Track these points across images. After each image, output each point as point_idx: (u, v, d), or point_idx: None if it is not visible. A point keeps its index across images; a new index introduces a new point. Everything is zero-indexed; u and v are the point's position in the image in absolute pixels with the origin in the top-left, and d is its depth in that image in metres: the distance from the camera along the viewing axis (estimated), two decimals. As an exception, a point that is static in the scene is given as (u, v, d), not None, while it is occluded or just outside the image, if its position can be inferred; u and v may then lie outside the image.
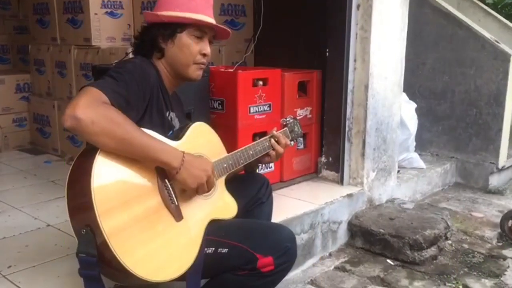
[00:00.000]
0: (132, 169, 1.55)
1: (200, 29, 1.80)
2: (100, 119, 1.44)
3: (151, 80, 1.69)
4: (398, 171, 3.61)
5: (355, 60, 3.07)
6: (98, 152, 1.48)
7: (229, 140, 2.89)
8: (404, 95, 3.64)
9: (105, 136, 1.45)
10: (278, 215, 2.56)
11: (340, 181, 3.20)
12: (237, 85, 2.83)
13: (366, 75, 3.04)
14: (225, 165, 1.88)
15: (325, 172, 3.33)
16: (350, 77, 3.07)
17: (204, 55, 1.84)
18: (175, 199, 1.64)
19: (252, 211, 2.16)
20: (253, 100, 2.93)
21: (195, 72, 1.86)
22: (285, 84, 3.09)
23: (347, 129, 3.14)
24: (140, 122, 1.66)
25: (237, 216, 2.04)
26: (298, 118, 3.11)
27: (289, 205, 2.80)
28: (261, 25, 3.40)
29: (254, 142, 2.03)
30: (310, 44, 3.55)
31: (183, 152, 1.62)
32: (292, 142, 2.23)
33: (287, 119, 2.25)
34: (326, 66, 3.22)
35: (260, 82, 2.99)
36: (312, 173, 3.39)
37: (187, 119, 2.14)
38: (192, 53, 1.80)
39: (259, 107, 2.96)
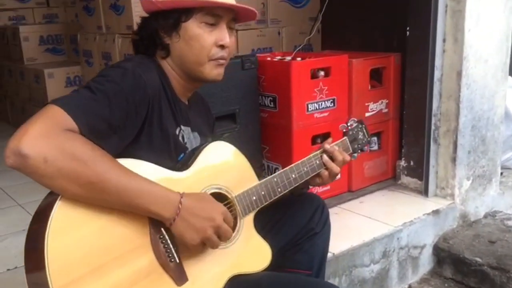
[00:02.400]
0: (110, 217, 1.11)
1: (212, 12, 1.31)
2: (56, 155, 1.01)
3: (149, 89, 1.24)
4: (501, 174, 2.89)
5: (444, 40, 2.40)
6: (58, 199, 1.05)
7: (283, 145, 2.39)
8: (510, 80, 2.89)
9: (65, 180, 1.03)
10: (340, 242, 2.04)
11: (424, 192, 2.57)
12: (291, 78, 2.29)
13: (459, 59, 2.36)
14: (254, 197, 1.38)
15: (405, 179, 2.71)
16: (438, 62, 2.41)
17: (222, 46, 1.34)
18: (175, 255, 1.19)
19: (301, 245, 1.67)
20: (312, 95, 2.38)
21: (213, 71, 1.37)
22: (353, 73, 2.50)
23: (433, 127, 2.49)
24: (134, 146, 1.23)
25: (278, 257, 1.56)
26: (371, 113, 2.57)
27: (356, 226, 2.25)
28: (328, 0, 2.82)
29: (300, 161, 1.51)
30: (388, 22, 2.92)
31: (181, 195, 1.15)
32: (355, 155, 1.68)
33: (349, 124, 1.69)
34: (406, 49, 2.58)
35: (321, 73, 2.43)
36: (389, 179, 2.79)
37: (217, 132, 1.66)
38: (204, 46, 1.32)
39: (320, 103, 2.41)
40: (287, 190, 1.47)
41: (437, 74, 2.42)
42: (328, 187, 2.54)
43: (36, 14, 5.01)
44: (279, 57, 2.58)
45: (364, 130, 1.70)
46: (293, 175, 1.47)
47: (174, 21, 1.30)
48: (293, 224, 1.66)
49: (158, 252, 1.17)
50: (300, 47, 2.80)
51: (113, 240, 1.11)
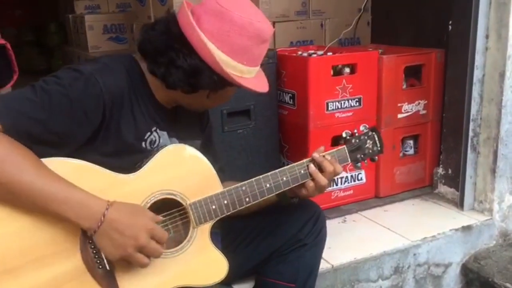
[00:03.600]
0: (35, 218, 1.10)
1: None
2: None
3: (106, 96, 1.19)
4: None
5: (487, 37, 2.12)
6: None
7: (300, 145, 2.27)
8: None
9: None
10: (343, 253, 1.91)
11: (460, 204, 2.32)
12: (308, 74, 2.16)
13: (503, 58, 2.08)
14: (213, 206, 1.30)
15: (442, 188, 2.47)
16: (479, 61, 2.14)
17: None
18: (104, 261, 1.14)
19: (286, 255, 1.58)
20: (334, 94, 2.22)
21: (203, 110, 1.49)
22: (383, 70, 2.30)
23: (471, 133, 2.23)
24: (88, 148, 1.22)
25: (261, 265, 1.56)
26: (404, 115, 2.36)
27: (368, 237, 2.08)
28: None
29: (279, 169, 1.41)
30: (439, 15, 2.65)
31: (108, 205, 1.10)
32: (359, 164, 1.53)
33: (361, 129, 1.55)
34: (448, 45, 2.33)
35: (347, 70, 2.26)
36: (426, 187, 2.55)
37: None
38: (223, 102, 1.45)
39: (343, 102, 2.25)
40: (257, 201, 1.37)
41: (477, 74, 2.16)
42: (351, 191, 2.38)
43: (110, 3, 5.21)
44: (311, 51, 2.44)
45: (376, 139, 1.54)
46: (267, 185, 1.36)
47: (223, 86, 1.28)
48: (280, 233, 1.57)
49: (86, 257, 1.13)
50: (334, 42, 2.63)
51: (33, 242, 1.09)
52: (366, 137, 1.53)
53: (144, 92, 1.30)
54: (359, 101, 2.28)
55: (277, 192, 1.39)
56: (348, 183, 2.36)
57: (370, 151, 1.53)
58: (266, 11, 2.85)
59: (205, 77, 1.22)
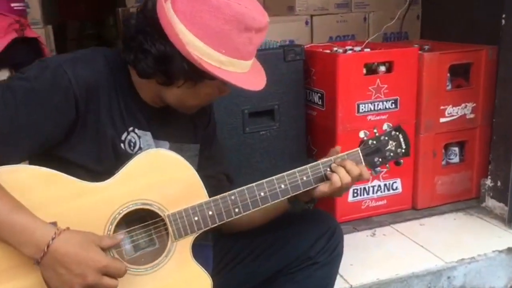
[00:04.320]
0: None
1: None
2: None
3: (76, 89, 1.08)
4: None
5: (545, 32, 1.85)
6: None
7: (327, 149, 2.08)
8: None
9: None
10: (366, 272, 1.73)
11: (508, 221, 2.06)
12: (337, 73, 1.97)
13: None
14: (196, 218, 1.17)
15: (490, 202, 2.21)
16: (535, 60, 1.88)
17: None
18: None
19: (294, 274, 1.43)
20: (366, 94, 2.03)
21: (193, 109, 1.26)
22: (424, 69, 2.07)
23: (524, 142, 1.97)
24: (64, 147, 1.12)
25: (264, 286, 1.41)
26: (448, 119, 2.13)
27: (397, 254, 1.88)
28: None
29: (278, 176, 1.25)
30: (491, 8, 2.37)
31: (55, 235, 0.97)
32: (377, 169, 1.35)
33: (383, 130, 1.37)
34: (500, 41, 2.06)
35: (382, 68, 2.05)
36: (472, 200, 2.30)
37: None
38: (207, 102, 1.25)
39: (376, 103, 2.05)
40: (248, 212, 1.22)
41: (532, 75, 1.89)
42: (384, 201, 2.18)
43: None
44: (348, 47, 2.25)
45: (401, 139, 1.35)
46: (262, 193, 1.21)
47: (200, 78, 1.11)
48: (289, 249, 1.42)
49: None
50: (373, 37, 2.42)
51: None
52: (387, 138, 1.34)
53: (126, 88, 1.18)
54: (395, 102, 2.07)
55: (274, 202, 1.24)
56: (382, 192, 2.16)
57: (392, 153, 1.34)
58: (303, 4, 2.68)
59: (176, 64, 1.07)
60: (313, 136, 2.21)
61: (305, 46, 2.20)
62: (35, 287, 1.02)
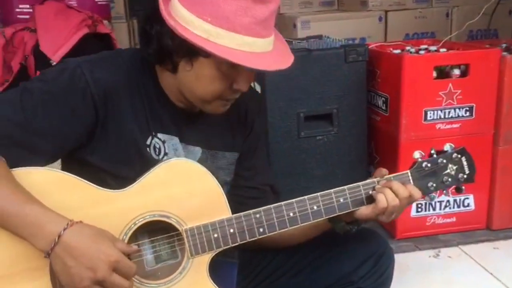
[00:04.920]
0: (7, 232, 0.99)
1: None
2: None
3: (94, 90, 1.05)
4: None
5: None
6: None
7: (389, 159, 1.93)
8: None
9: None
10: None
11: None
12: (402, 76, 1.80)
13: None
14: (215, 235, 1.09)
15: None
16: None
17: (238, 90, 1.08)
18: None
19: None
20: (435, 100, 1.83)
21: (217, 109, 1.12)
22: (505, 73, 1.83)
23: None
24: (86, 151, 1.09)
25: None
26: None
27: (460, 281, 1.68)
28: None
29: (335, 189, 1.13)
30: None
31: (67, 226, 0.93)
32: (433, 195, 1.20)
33: (442, 151, 1.21)
34: None
35: (456, 71, 1.84)
36: (562, 223, 2.01)
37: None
38: (215, 90, 1.06)
39: (447, 111, 1.84)
40: (274, 233, 1.12)
41: None
42: (453, 219, 1.97)
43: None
44: (423, 47, 2.05)
45: (464, 163, 1.18)
46: (291, 213, 1.10)
47: (191, 52, 1.03)
48: (329, 271, 1.30)
49: (54, 279, 1.01)
50: (453, 35, 2.19)
51: (4, 257, 0.99)
52: (446, 161, 1.17)
53: (151, 90, 1.13)
54: (470, 110, 1.85)
55: (304, 224, 1.12)
56: (451, 208, 1.95)
57: (451, 179, 1.17)
58: (377, -1, 2.50)
59: (166, 38, 1.01)
60: (376, 143, 2.05)
61: (373, 45, 2.04)
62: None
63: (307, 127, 1.94)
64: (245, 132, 1.29)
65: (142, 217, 1.06)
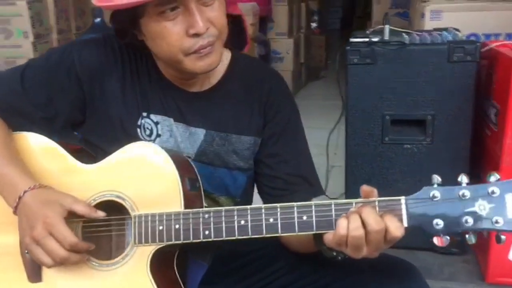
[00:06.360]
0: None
1: None
2: None
3: (79, 68, 1.09)
4: None
5: None
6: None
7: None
8: None
9: None
10: None
11: None
12: (511, 83, 1.43)
13: None
14: (160, 227, 0.99)
15: None
16: None
17: (196, 35, 0.98)
18: None
19: None
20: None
21: (196, 65, 1.02)
22: None
23: None
24: (85, 128, 1.14)
25: None
26: None
27: None
28: None
29: (300, 203, 0.94)
30: None
31: (33, 187, 1.00)
32: (446, 239, 0.93)
33: (480, 182, 0.95)
34: None
35: None
36: None
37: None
38: (170, 43, 0.99)
39: None
40: (220, 239, 0.99)
41: None
42: None
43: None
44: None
45: (506, 203, 0.87)
46: (242, 221, 0.95)
47: (130, 20, 1.02)
48: None
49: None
50: None
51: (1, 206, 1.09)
52: (473, 194, 0.88)
53: (145, 71, 1.11)
54: None
55: (254, 236, 0.95)
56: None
57: (478, 221, 0.85)
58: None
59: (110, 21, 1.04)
60: (481, 161, 1.69)
61: (496, 44, 1.67)
62: (7, 248, 1.07)
63: (393, 132, 1.70)
64: (267, 114, 1.15)
65: (102, 194, 1.05)
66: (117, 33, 1.07)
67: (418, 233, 0.88)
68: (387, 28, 1.75)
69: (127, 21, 1.02)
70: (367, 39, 1.68)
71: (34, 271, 1.05)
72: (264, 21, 4.37)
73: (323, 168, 2.18)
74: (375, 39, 1.68)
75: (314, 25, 6.46)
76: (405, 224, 0.89)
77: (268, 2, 4.37)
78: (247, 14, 3.32)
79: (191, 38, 0.96)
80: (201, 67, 1.01)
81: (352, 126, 1.72)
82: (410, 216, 0.89)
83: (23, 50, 3.53)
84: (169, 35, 0.97)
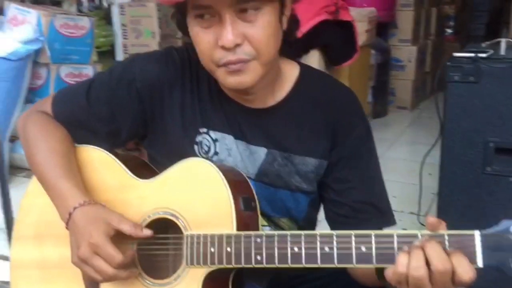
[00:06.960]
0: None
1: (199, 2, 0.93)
2: (20, 131, 1.17)
3: (139, 83, 1.10)
4: None
5: None
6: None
7: None
8: None
9: (25, 153, 1.16)
10: None
11: None
12: None
13: None
14: (212, 249, 0.97)
15: None
16: None
17: (224, 47, 0.94)
18: None
19: None
20: None
21: (227, 80, 0.99)
22: None
23: None
24: (148, 143, 1.18)
25: None
26: None
27: None
28: None
29: (360, 232, 0.87)
30: None
31: (83, 203, 1.01)
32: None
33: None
34: None
35: None
36: None
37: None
38: (201, 49, 0.98)
39: None
40: (273, 266, 0.92)
41: None
42: None
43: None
44: None
45: None
46: (296, 248, 0.88)
47: (181, 18, 1.02)
48: None
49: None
50: None
51: (39, 220, 1.15)
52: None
53: (205, 87, 1.09)
54: None
55: (307, 265, 0.87)
56: None
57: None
58: None
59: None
60: None
61: None
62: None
63: (497, 162, 1.49)
64: (335, 136, 1.07)
65: (156, 211, 1.04)
66: (178, 28, 1.06)
67: (498, 276, 0.77)
68: (503, 42, 1.54)
69: (180, 19, 1.02)
70: (472, 54, 1.48)
71: (92, 284, 1.06)
72: (385, 27, 4.15)
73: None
74: (483, 55, 1.48)
75: (449, 31, 6.04)
76: (479, 263, 0.78)
77: (391, 7, 4.14)
78: (361, 20, 3.15)
79: (221, 50, 0.93)
80: (230, 83, 0.98)
81: (449, 150, 1.53)
82: (485, 254, 0.77)
83: (149, 50, 3.78)
84: (201, 42, 0.96)
